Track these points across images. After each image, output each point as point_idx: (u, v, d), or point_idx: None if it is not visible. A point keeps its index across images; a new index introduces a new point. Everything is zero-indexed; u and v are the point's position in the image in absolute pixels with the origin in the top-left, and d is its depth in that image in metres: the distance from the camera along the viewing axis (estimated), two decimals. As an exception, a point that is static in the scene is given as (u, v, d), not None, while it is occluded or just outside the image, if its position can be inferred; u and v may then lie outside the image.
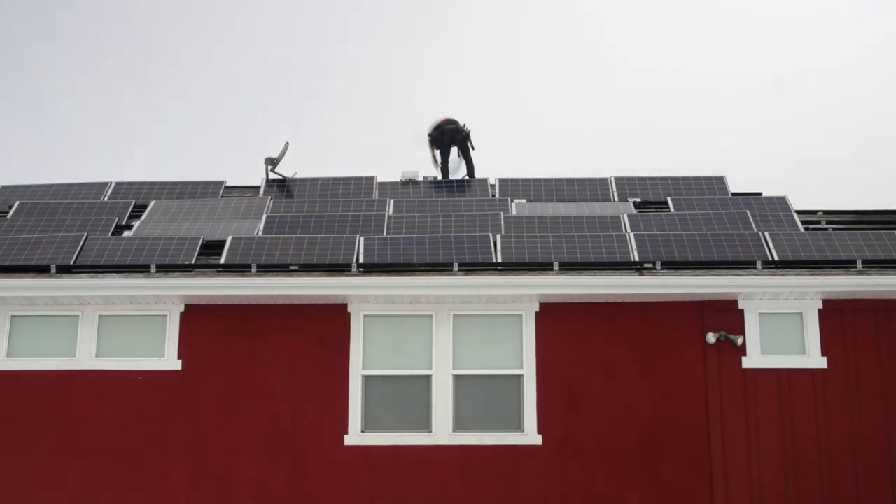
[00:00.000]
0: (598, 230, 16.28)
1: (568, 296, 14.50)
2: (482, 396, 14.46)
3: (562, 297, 14.54)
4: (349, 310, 14.63)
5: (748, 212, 16.83)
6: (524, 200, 18.09)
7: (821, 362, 14.39)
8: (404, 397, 14.46)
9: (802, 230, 16.44)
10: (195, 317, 14.59)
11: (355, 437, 14.28)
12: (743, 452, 14.14)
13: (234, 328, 14.59)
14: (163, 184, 18.90)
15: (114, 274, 14.73)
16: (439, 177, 19.58)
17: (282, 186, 18.97)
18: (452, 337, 14.60)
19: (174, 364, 14.47)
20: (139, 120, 42.58)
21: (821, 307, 14.53)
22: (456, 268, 14.84)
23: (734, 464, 14.11)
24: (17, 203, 17.98)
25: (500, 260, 14.97)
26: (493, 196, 18.60)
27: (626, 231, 16.20)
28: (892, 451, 14.15)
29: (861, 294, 14.44)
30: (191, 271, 14.82)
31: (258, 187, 19.20)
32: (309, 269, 14.93)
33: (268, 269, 14.94)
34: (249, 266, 14.91)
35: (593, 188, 18.73)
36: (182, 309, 14.61)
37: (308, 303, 14.58)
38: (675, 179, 18.90)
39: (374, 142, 40.67)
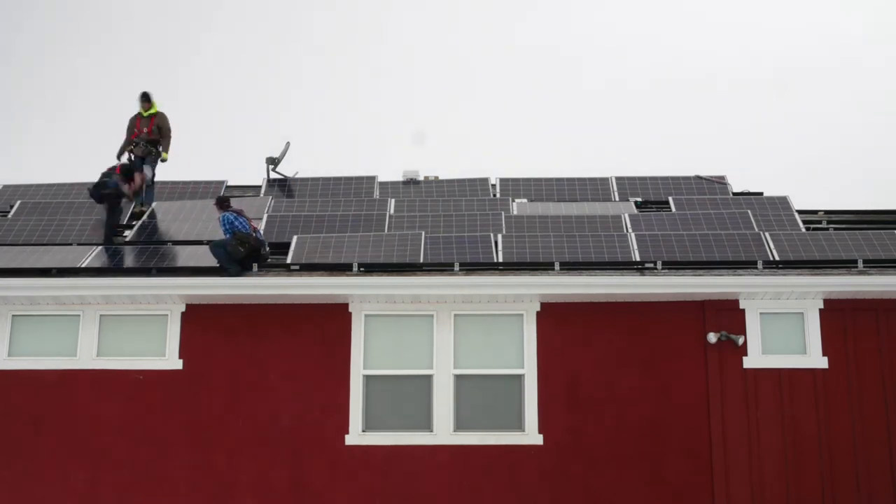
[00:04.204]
0: (599, 230, 16.27)
1: (569, 295, 14.49)
2: (483, 396, 14.44)
3: (563, 297, 14.53)
4: (350, 309, 14.62)
5: (749, 212, 16.83)
6: (525, 200, 18.09)
7: (822, 362, 14.38)
8: (405, 397, 14.45)
9: (803, 230, 16.44)
10: (196, 316, 14.58)
11: (356, 436, 14.27)
12: (744, 452, 14.12)
13: (235, 328, 14.58)
14: (164, 183, 18.87)
15: (115, 273, 14.75)
16: None
17: (283, 186, 18.97)
18: (453, 337, 14.59)
19: (175, 364, 14.46)
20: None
21: (822, 307, 14.51)
22: (457, 267, 14.83)
23: (735, 463, 14.10)
24: (18, 203, 17.97)
25: (501, 259, 14.96)
26: (494, 196, 18.59)
27: (627, 231, 16.19)
28: (893, 450, 14.14)
29: (862, 294, 14.43)
30: (192, 270, 14.82)
31: (259, 187, 19.20)
32: (310, 268, 14.93)
33: (269, 268, 14.93)
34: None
35: (594, 188, 18.73)
36: (183, 308, 14.59)
37: (309, 302, 14.57)
38: (675, 179, 18.90)
39: (374, 142, 40.67)
